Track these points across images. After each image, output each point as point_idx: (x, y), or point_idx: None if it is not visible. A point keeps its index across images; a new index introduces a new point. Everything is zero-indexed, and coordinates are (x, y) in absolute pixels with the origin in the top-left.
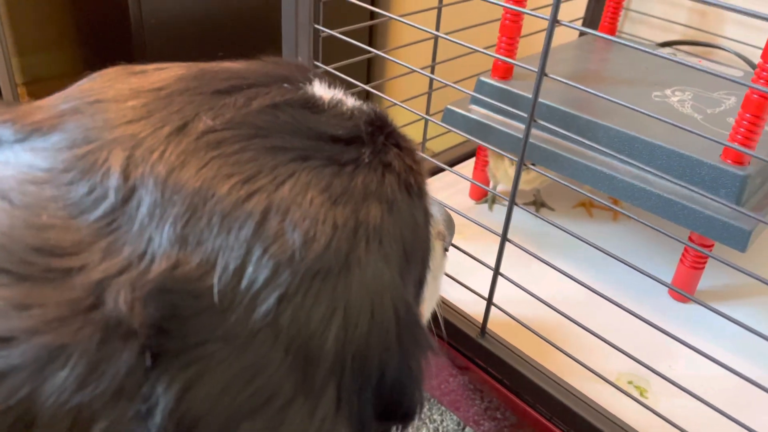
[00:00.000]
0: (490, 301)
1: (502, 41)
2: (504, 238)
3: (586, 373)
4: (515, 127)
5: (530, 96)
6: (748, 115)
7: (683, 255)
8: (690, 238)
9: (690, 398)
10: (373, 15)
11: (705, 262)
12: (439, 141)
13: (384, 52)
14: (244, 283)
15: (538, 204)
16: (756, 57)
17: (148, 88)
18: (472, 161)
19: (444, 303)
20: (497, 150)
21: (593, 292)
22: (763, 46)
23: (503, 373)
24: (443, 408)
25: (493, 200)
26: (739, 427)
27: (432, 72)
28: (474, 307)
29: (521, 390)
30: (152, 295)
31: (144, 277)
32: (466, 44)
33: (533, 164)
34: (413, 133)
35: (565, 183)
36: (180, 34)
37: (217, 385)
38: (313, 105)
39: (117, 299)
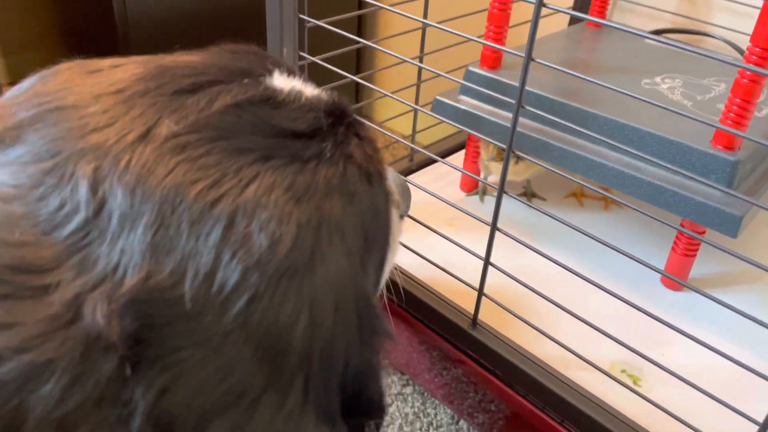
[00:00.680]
0: (481, 292)
1: (490, 30)
2: (494, 228)
3: (579, 362)
4: (505, 117)
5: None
6: (737, 99)
7: (675, 242)
8: (682, 225)
9: (684, 385)
10: (361, 5)
11: (697, 249)
12: (428, 133)
13: (373, 43)
14: (215, 287)
15: (528, 194)
16: (745, 44)
17: (108, 91)
18: (462, 153)
19: (435, 295)
20: (489, 140)
21: (584, 279)
22: (751, 32)
23: (495, 365)
24: (437, 401)
25: (484, 191)
26: (733, 414)
27: (420, 62)
28: (466, 298)
29: (514, 381)
30: (127, 307)
31: (118, 290)
32: (455, 32)
33: (517, 157)
34: (403, 125)
35: (556, 171)
36: (165, 29)
37: (191, 387)
38: (273, 100)
39: (94, 314)
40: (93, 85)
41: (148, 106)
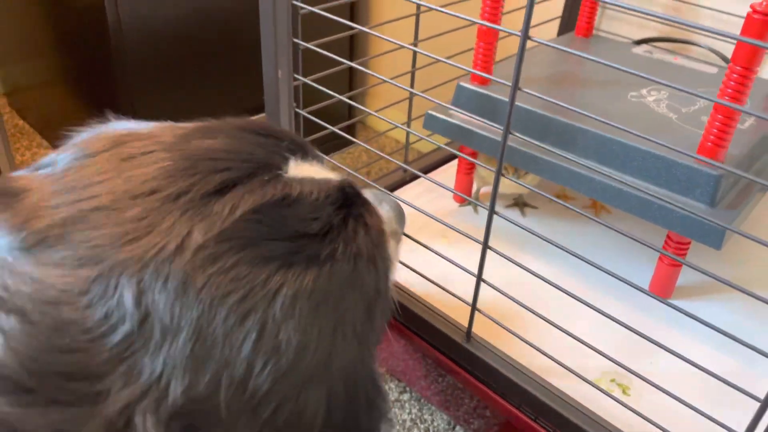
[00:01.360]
0: (474, 307)
1: (480, 46)
2: (485, 246)
3: (570, 373)
4: (495, 131)
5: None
6: (719, 116)
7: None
8: (668, 237)
9: (672, 392)
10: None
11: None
12: (425, 140)
13: (368, 28)
14: (248, 394)
15: (520, 204)
16: (730, 52)
17: (143, 191)
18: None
19: (430, 309)
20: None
21: (570, 295)
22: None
23: (489, 377)
24: (433, 408)
25: (476, 201)
26: (719, 420)
27: (414, 55)
28: (460, 312)
29: (507, 392)
30: (172, 418)
31: (164, 401)
32: (454, 12)
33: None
34: (400, 132)
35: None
36: (158, 40)
37: None
38: (289, 198)
39: (145, 423)
40: (128, 179)
41: (180, 213)
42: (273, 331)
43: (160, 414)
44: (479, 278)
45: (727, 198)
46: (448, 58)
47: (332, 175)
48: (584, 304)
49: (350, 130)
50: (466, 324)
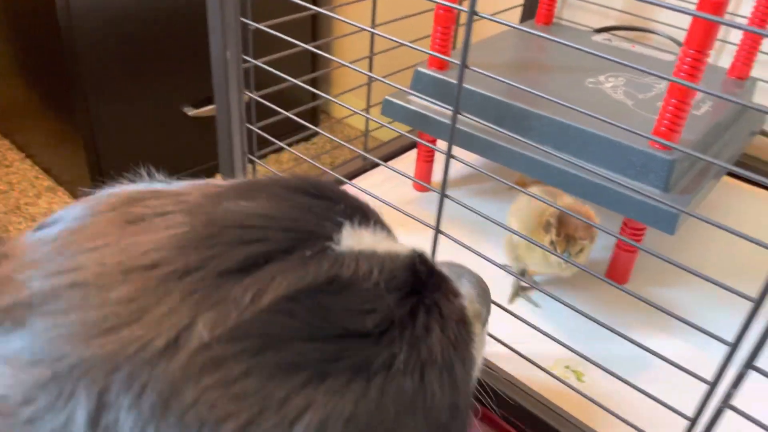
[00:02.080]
0: None
1: (438, 30)
2: (437, 231)
3: (525, 359)
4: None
5: (466, 86)
6: (673, 100)
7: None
8: (624, 222)
9: (625, 377)
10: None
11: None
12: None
13: (327, 10)
14: None
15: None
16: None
17: (140, 264)
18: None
19: None
20: (530, 240)
21: (527, 283)
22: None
23: None
24: None
25: (518, 292)
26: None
27: (372, 38)
28: None
29: None
30: None
31: None
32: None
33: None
34: (360, 120)
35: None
36: (110, 27)
37: None
38: (338, 280)
39: None
40: (125, 248)
41: (184, 296)
42: None
43: None
44: None
45: (680, 183)
46: (409, 42)
47: (400, 247)
48: (539, 290)
49: (313, 117)
50: None
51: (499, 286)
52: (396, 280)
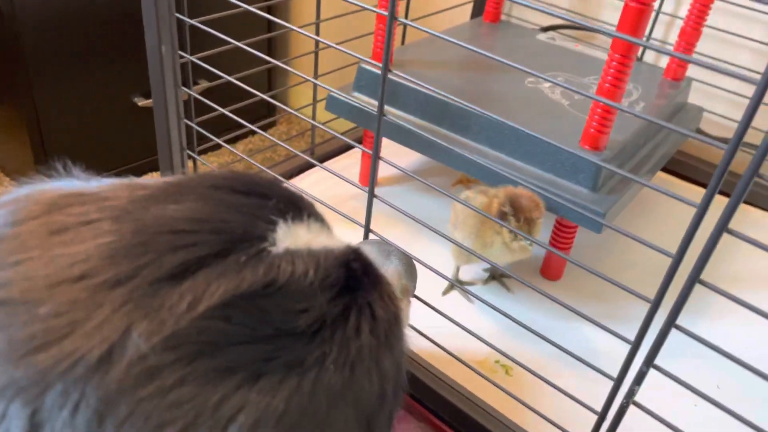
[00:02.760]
0: None
1: (380, 28)
2: (367, 230)
3: (455, 355)
4: (396, 115)
5: (409, 85)
6: (599, 109)
7: (552, 237)
8: (556, 221)
9: (549, 373)
10: None
11: (570, 243)
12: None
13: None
14: None
15: (498, 276)
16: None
17: (68, 276)
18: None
19: None
20: (493, 219)
21: (457, 285)
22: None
23: None
24: None
25: (451, 286)
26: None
27: (317, 32)
28: None
29: None
30: None
31: None
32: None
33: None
34: (312, 113)
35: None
36: (54, 20)
37: None
38: (273, 283)
39: None
40: (51, 260)
41: (116, 307)
42: None
43: None
44: None
45: (609, 183)
46: (354, 39)
47: (335, 242)
48: (470, 294)
49: (269, 110)
50: None
51: (434, 280)
52: (330, 278)
